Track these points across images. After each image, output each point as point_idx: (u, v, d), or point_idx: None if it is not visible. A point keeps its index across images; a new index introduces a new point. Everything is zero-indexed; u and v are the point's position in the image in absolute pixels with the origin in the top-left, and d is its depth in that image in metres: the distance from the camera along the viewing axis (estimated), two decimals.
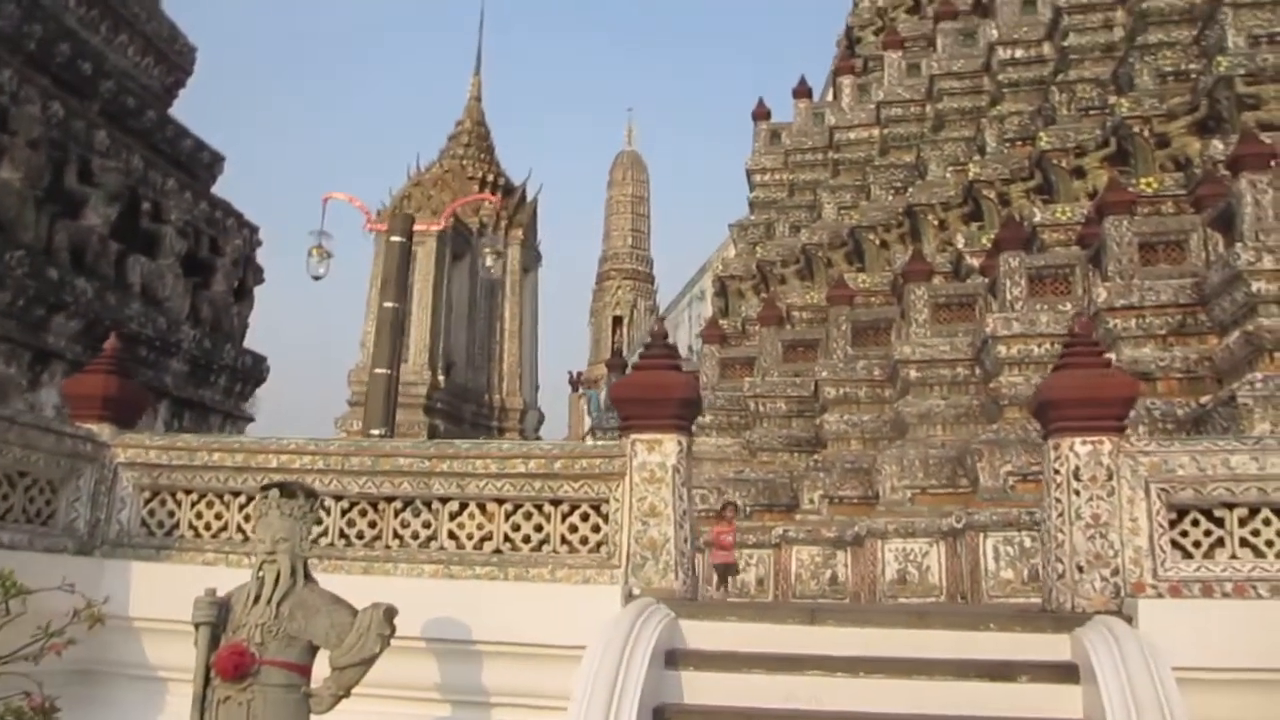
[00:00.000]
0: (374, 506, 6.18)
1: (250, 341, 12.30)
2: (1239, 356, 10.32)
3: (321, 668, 4.50)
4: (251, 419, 11.99)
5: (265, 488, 4.84)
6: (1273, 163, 10.81)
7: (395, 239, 8.88)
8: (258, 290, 12.62)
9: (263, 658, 4.47)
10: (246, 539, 6.14)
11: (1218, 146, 12.51)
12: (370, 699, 4.71)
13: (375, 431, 8.28)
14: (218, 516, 6.41)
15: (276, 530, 4.68)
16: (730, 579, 12.11)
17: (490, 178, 30.08)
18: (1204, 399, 10.56)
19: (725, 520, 12.25)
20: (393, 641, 4.53)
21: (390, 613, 4.54)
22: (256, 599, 4.59)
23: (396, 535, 6.10)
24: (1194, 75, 13.98)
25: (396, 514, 6.15)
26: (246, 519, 6.24)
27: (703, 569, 12.84)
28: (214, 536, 6.37)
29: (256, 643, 4.48)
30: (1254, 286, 10.05)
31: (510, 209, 29.74)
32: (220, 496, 6.40)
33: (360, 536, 6.13)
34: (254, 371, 12.01)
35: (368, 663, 4.48)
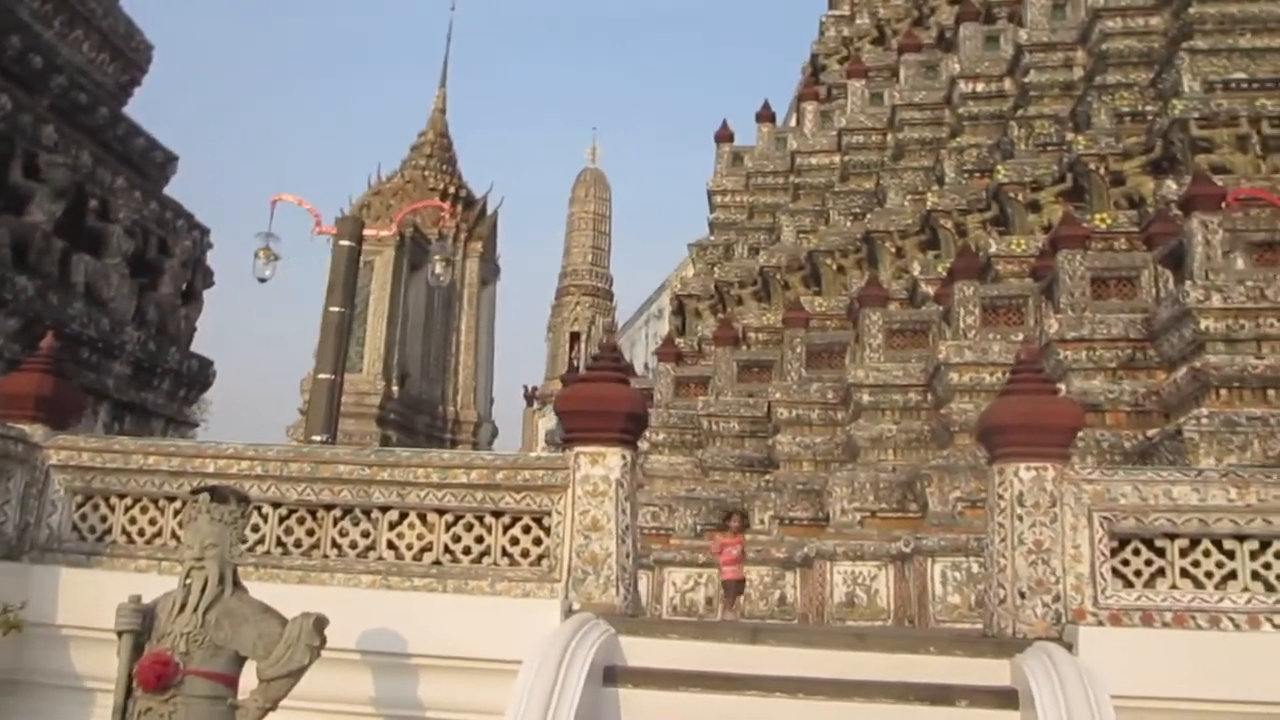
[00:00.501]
0: (312, 514, 6.04)
1: (202, 347, 12.09)
2: (1186, 392, 10.44)
3: (250, 679, 4.37)
4: (196, 424, 11.77)
5: (195, 492, 4.71)
6: (1223, 205, 10.99)
7: (344, 243, 8.76)
8: (208, 294, 12.41)
9: (187, 668, 4.33)
10: (180, 545, 5.97)
11: (1171, 186, 12.71)
12: (299, 712, 4.58)
13: (317, 438, 8.14)
14: (152, 522, 6.23)
15: (205, 536, 4.55)
16: (738, 598, 11.42)
17: (451, 189, 30.00)
18: (1151, 432, 10.68)
19: (731, 532, 11.52)
20: (325, 653, 4.41)
21: (320, 623, 4.42)
22: (182, 607, 4.45)
23: (334, 544, 5.97)
24: (1150, 116, 14.21)
25: (335, 522, 6.02)
26: (181, 525, 6.08)
27: (658, 589, 12.77)
28: (147, 543, 6.19)
29: (181, 652, 4.34)
30: (1202, 324, 10.19)
31: (470, 221, 29.66)
32: (155, 501, 6.23)
33: (298, 545, 5.99)
34: (200, 376, 11.78)
35: (296, 674, 4.35)
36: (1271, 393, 10.02)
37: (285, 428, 23.67)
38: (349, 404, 18.23)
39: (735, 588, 11.27)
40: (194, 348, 11.93)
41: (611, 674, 5.18)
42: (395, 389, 24.09)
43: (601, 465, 5.80)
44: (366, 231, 9.63)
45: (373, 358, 23.51)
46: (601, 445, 5.82)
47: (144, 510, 6.26)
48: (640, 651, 5.38)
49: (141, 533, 6.23)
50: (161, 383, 11.04)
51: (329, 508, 6.03)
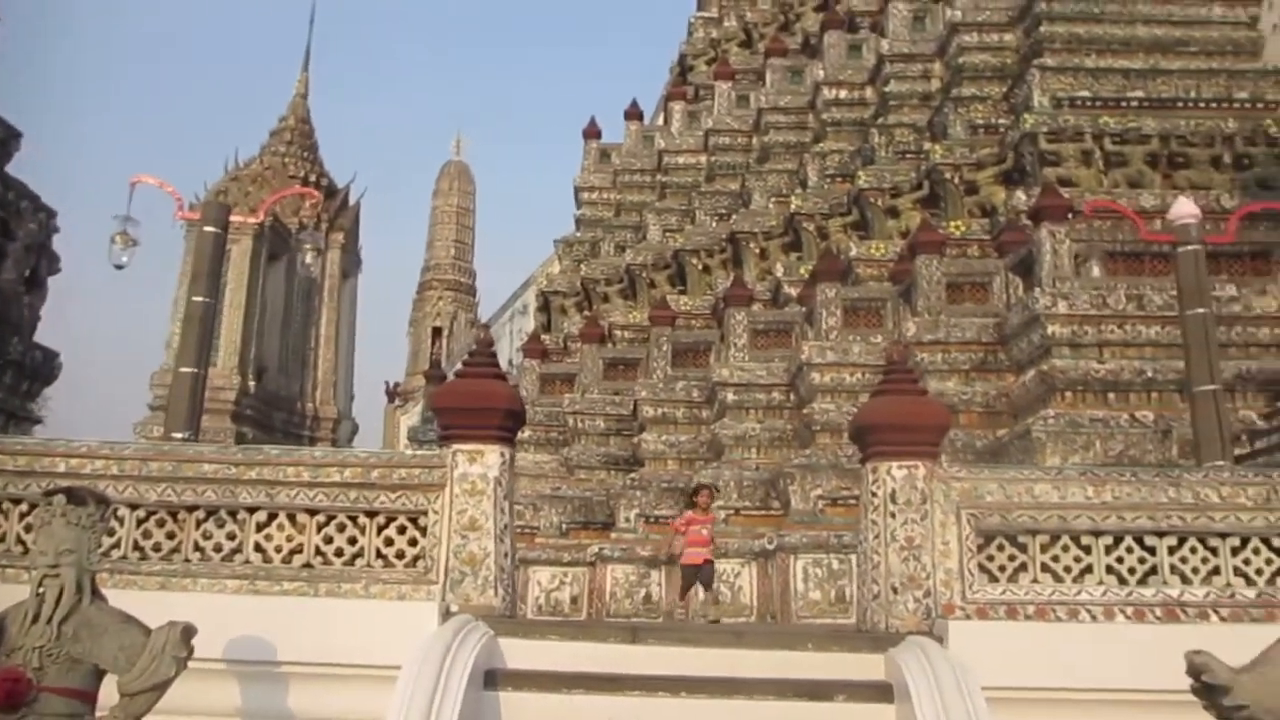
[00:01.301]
0: (174, 516, 5.74)
1: (43, 336, 11.36)
2: (1034, 394, 10.94)
3: (110, 693, 4.10)
4: (39, 420, 11.05)
5: (49, 493, 4.39)
6: (1070, 216, 11.56)
7: (209, 229, 8.37)
8: (53, 281, 11.67)
9: (41, 684, 4.03)
10: (27, 551, 5.57)
11: (1021, 197, 13.28)
12: None
13: (178, 435, 7.74)
14: None
15: (61, 541, 4.24)
16: (701, 590, 9.69)
17: (313, 178, 29.12)
18: (1001, 432, 11.15)
19: (699, 509, 9.94)
20: (190, 663, 4.17)
21: (188, 632, 4.18)
22: (35, 618, 4.14)
23: (198, 547, 5.68)
24: (1002, 129, 14.83)
25: (198, 524, 5.74)
26: (28, 529, 5.67)
27: (523, 589, 12.64)
28: None
29: (34, 667, 4.04)
30: (1049, 329, 10.69)
31: (332, 211, 28.86)
32: None
33: (157, 549, 5.68)
34: (44, 368, 11.07)
35: (161, 688, 4.11)
36: (1112, 396, 10.61)
37: (133, 424, 22.53)
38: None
39: (694, 574, 9.59)
40: (37, 338, 11.21)
41: (492, 677, 5.09)
42: (252, 384, 23.23)
43: (480, 463, 5.69)
44: (233, 218, 9.21)
45: (228, 351, 22.59)
46: (480, 443, 5.72)
47: None
48: (520, 653, 5.31)
49: None
50: (2, 375, 10.33)
51: (192, 509, 5.74)
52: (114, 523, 5.56)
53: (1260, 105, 13.99)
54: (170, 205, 10.14)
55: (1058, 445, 10.11)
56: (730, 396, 13.67)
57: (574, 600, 12.92)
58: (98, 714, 4.11)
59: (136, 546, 5.67)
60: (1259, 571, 5.41)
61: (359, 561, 5.65)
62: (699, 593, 9.56)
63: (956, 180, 14.68)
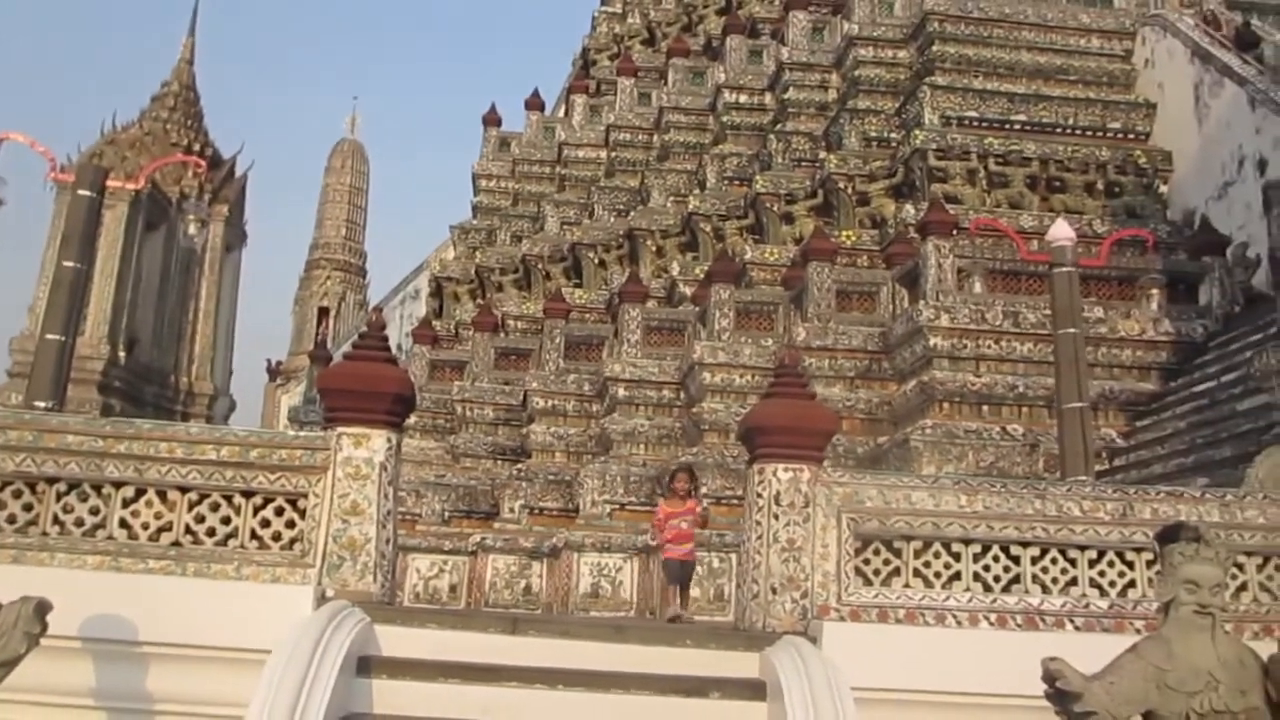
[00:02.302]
0: (32, 488, 5.46)
1: None
2: (914, 403, 11.25)
3: None
4: None
5: None
6: (955, 232, 11.92)
7: (83, 193, 7.98)
8: None
9: None
10: None
11: (910, 211, 13.63)
12: (14, 705, 4.11)
13: (40, 405, 7.36)
14: None
15: None
16: (684, 585, 8.48)
17: (196, 147, 28.11)
18: (882, 439, 11.43)
19: (678, 497, 8.50)
20: (44, 640, 3.98)
21: (42, 607, 3.99)
22: None
23: (57, 521, 5.42)
24: (894, 143, 15.20)
25: (59, 497, 5.47)
26: None
27: (401, 577, 12.43)
28: None
29: None
30: (931, 341, 11.00)
31: (216, 182, 27.93)
32: None
33: (11, 521, 5.39)
34: None
35: (10, 664, 3.92)
36: (985, 408, 10.98)
37: None
38: None
39: (679, 571, 8.38)
40: None
41: (366, 664, 4.98)
42: (122, 355, 22.30)
43: (365, 447, 5.57)
44: (110, 183, 8.80)
45: (98, 320, 21.64)
46: (366, 426, 5.60)
47: None
48: (397, 641, 5.21)
49: None
50: None
51: (52, 481, 5.47)
52: None
53: (1131, 136, 14.69)
54: (42, 165, 9.65)
55: (934, 454, 10.41)
56: (621, 392, 13.70)
57: (453, 589, 12.78)
58: None
59: None
60: (1112, 583, 5.65)
61: (232, 542, 5.47)
62: (685, 594, 8.45)
63: (849, 190, 14.98)
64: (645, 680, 5.06)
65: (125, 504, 5.48)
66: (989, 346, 11.16)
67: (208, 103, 30.48)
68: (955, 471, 10.01)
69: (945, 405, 10.90)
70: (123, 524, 5.46)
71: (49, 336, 7.65)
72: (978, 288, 11.42)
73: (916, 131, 14.27)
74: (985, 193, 14.04)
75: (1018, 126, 14.53)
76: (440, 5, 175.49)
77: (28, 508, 5.44)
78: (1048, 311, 9.37)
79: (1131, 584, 5.64)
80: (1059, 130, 14.53)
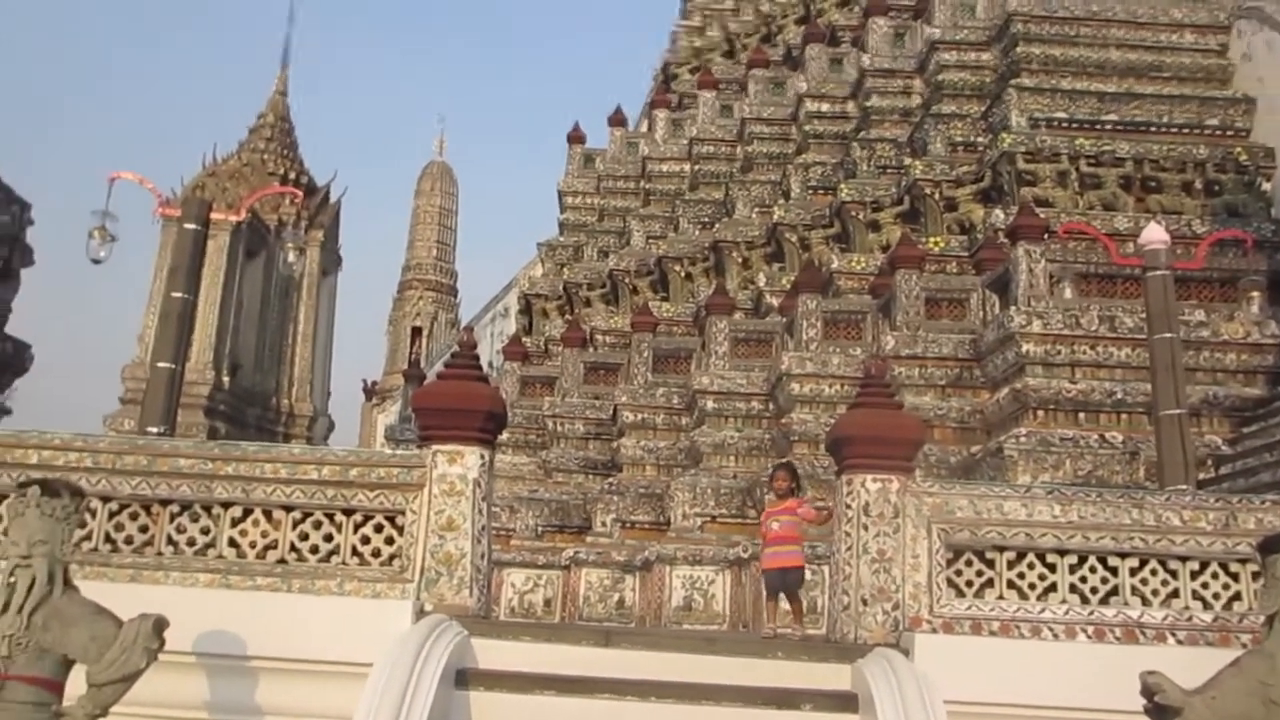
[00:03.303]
0: (147, 510, 5.74)
1: (14, 329, 11.27)
2: (1007, 411, 11.05)
3: (78, 684, 4.10)
4: (9, 411, 10.97)
5: (23, 485, 4.39)
6: (1046, 236, 11.68)
7: (189, 226, 8.35)
8: (28, 273, 11.59)
9: (8, 673, 4.03)
10: None
11: (999, 215, 13.41)
12: (134, 719, 4.33)
13: (153, 430, 7.72)
14: None
15: (34, 532, 4.24)
16: (789, 595, 7.54)
17: (292, 175, 29.02)
18: (974, 448, 11.24)
19: (778, 496, 7.76)
20: (161, 656, 4.18)
21: (160, 624, 4.19)
22: (5, 607, 4.14)
23: (170, 541, 5.68)
24: (981, 147, 14.97)
25: (172, 519, 5.74)
26: None
27: (497, 591, 12.63)
28: None
29: (3, 655, 4.04)
30: (1024, 348, 10.79)
31: (312, 208, 28.76)
32: None
33: (129, 542, 5.67)
34: (15, 360, 11.00)
35: (130, 679, 4.11)
36: (1082, 416, 10.71)
37: (103, 417, 22.37)
38: None
39: (778, 581, 7.52)
40: (8, 329, 11.13)
41: (463, 677, 5.11)
42: (226, 379, 23.12)
43: (459, 464, 5.72)
44: (213, 215, 9.19)
45: (203, 346, 22.48)
46: (460, 444, 5.75)
47: None
48: (492, 654, 5.34)
49: None
50: None
51: (165, 503, 5.73)
52: (87, 515, 5.54)
53: (1230, 132, 14.20)
54: (149, 200, 10.11)
55: (1029, 463, 10.21)
56: (710, 404, 13.73)
57: (547, 603, 12.95)
58: (65, 704, 4.11)
59: (109, 539, 5.67)
60: (1216, 596, 5.50)
61: (334, 559, 5.67)
62: (788, 599, 7.59)
63: (936, 196, 14.80)
64: (737, 692, 5.09)
65: (234, 523, 5.72)
66: (1084, 352, 10.90)
67: (301, 130, 31.51)
68: (1051, 481, 9.81)
69: (1040, 413, 10.68)
70: (231, 543, 5.70)
71: (159, 365, 8.01)
72: (1069, 293, 11.17)
73: (1004, 134, 14.04)
74: (1077, 195, 13.74)
75: (1109, 126, 14.19)
76: (524, 25, 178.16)
77: (144, 529, 5.71)
78: (1145, 315, 9.14)
79: (1237, 596, 5.49)
80: (1153, 129, 14.14)
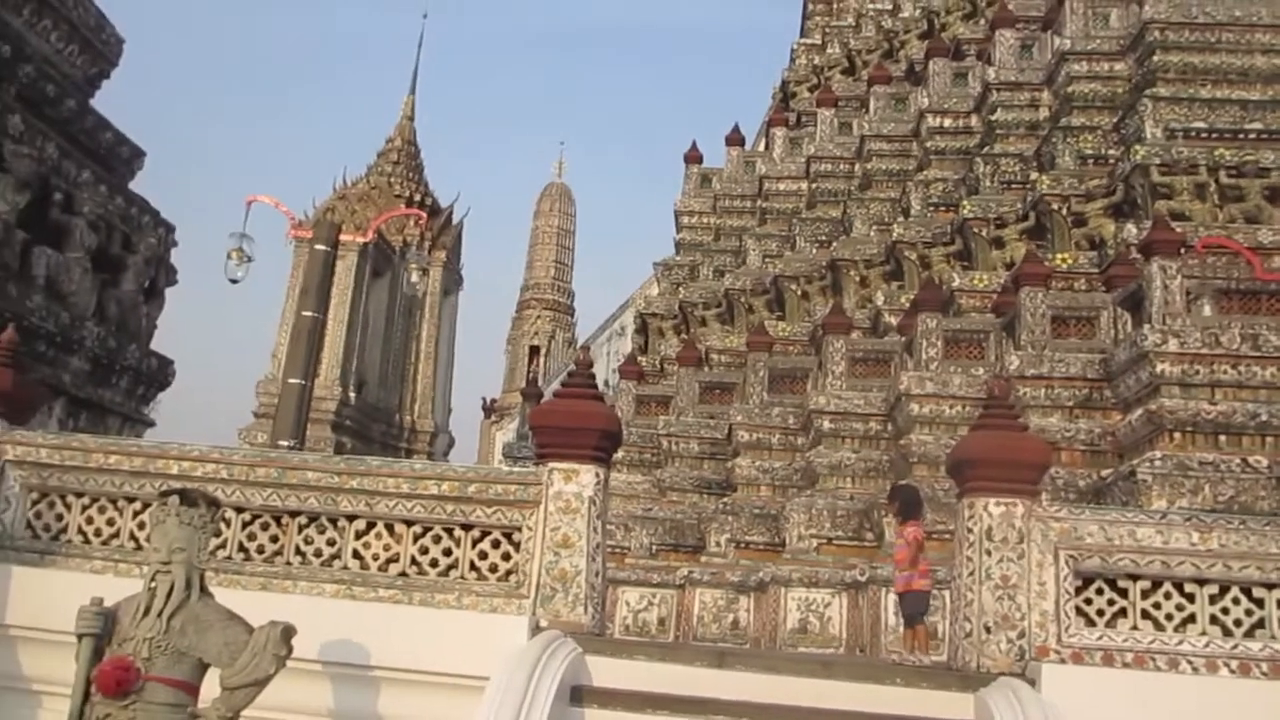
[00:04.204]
0: (277, 520, 5.96)
1: (159, 344, 11.88)
2: (1140, 434, 10.61)
3: (211, 687, 4.28)
4: (152, 423, 11.54)
5: (164, 494, 4.62)
6: (1182, 250, 11.20)
7: (320, 247, 8.68)
8: (170, 292, 12.21)
9: (148, 674, 4.24)
10: (139, 547, 5.86)
11: (1131, 230, 12.93)
12: None
13: (284, 443, 8.03)
14: (110, 523, 6.10)
15: (174, 539, 4.46)
16: (907, 620, 7.79)
17: (417, 197, 29.87)
18: (1105, 472, 10.82)
19: (894, 517, 8.04)
20: (288, 662, 4.33)
21: (289, 632, 4.35)
22: (146, 611, 4.36)
23: (299, 552, 5.89)
24: (1112, 160, 14.46)
25: (300, 530, 5.94)
26: (140, 526, 5.96)
27: (611, 609, 12.70)
28: (104, 543, 6.06)
29: (143, 657, 4.25)
30: (1159, 368, 10.36)
31: (435, 230, 29.53)
32: (114, 502, 6.11)
33: (260, 551, 5.90)
34: (159, 374, 11.56)
35: (261, 684, 4.28)
36: (1223, 438, 10.20)
37: (238, 430, 23.35)
38: None
39: (904, 606, 7.79)
40: (152, 345, 11.74)
41: (578, 694, 5.15)
42: (352, 395, 23.88)
43: (575, 482, 5.78)
44: (342, 237, 9.53)
45: (331, 363, 23.27)
46: (575, 462, 5.81)
47: (102, 510, 6.13)
48: (606, 672, 5.36)
49: (98, 533, 6.10)
50: (120, 380, 10.82)
51: (294, 514, 5.94)
52: (221, 525, 5.79)
53: None
54: (283, 223, 10.56)
55: (1164, 488, 9.77)
56: (826, 424, 13.56)
57: (661, 622, 12.94)
58: (199, 706, 4.28)
59: (241, 548, 5.91)
60: None
61: (453, 573, 5.79)
62: (917, 627, 7.70)
63: (1064, 212, 14.35)
64: (852, 718, 4.99)
65: (358, 536, 5.90)
66: (1225, 372, 10.39)
67: (427, 153, 32.45)
68: (1189, 506, 9.36)
69: (1176, 435, 10.21)
70: (356, 555, 5.87)
71: (290, 381, 8.34)
72: (1207, 310, 10.68)
73: (1137, 146, 13.54)
74: (1217, 208, 13.15)
75: (1253, 135, 13.54)
76: (645, 46, 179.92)
77: (274, 539, 5.93)
78: None
79: None
80: None
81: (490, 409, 46.16)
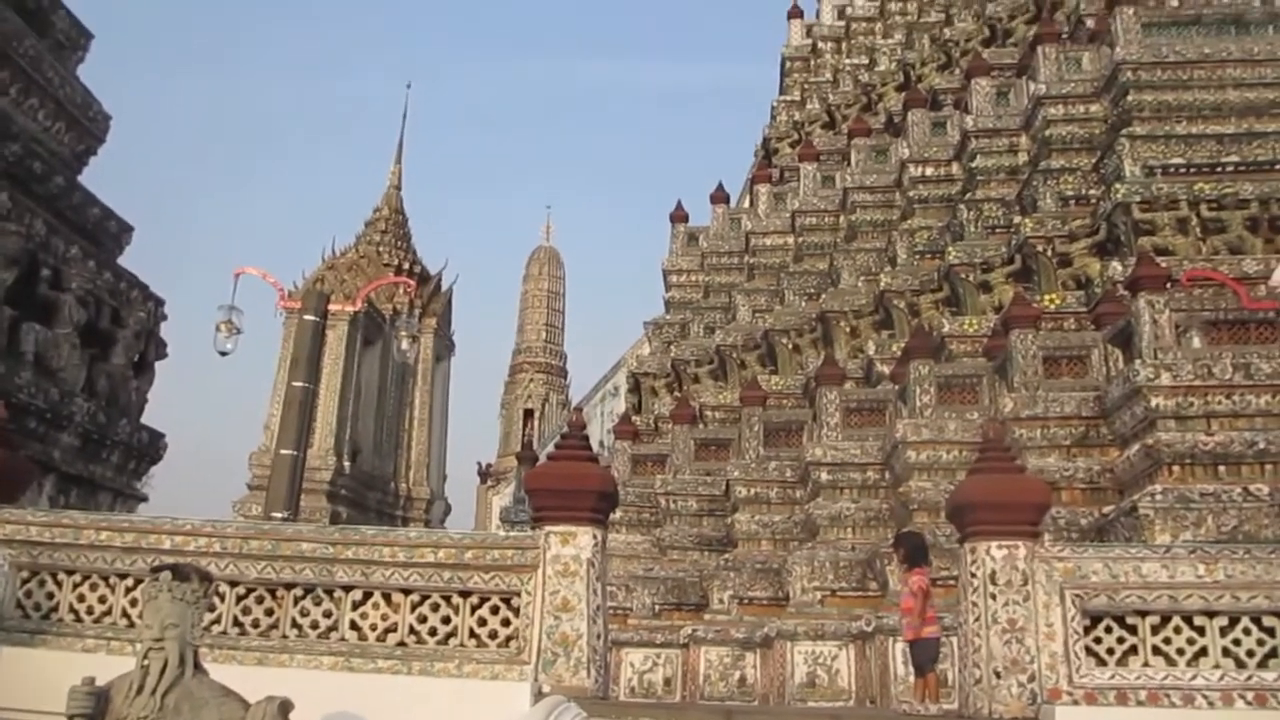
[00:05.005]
0: (272, 593, 5.87)
1: (149, 418, 11.83)
2: (1139, 469, 10.57)
3: None
4: (144, 498, 11.44)
5: (156, 569, 4.55)
6: (1168, 285, 11.26)
7: (309, 317, 8.67)
8: (160, 365, 12.18)
9: None
10: (131, 625, 5.76)
11: (1116, 268, 13.01)
12: None
13: (277, 515, 7.95)
14: (101, 600, 6.01)
15: (166, 615, 4.38)
16: (916, 668, 7.95)
17: (406, 265, 30.03)
18: (1106, 509, 10.77)
19: (900, 563, 8.22)
20: None
21: (285, 706, 4.25)
22: (140, 689, 4.27)
23: (295, 624, 5.79)
24: (1093, 200, 14.60)
25: (296, 602, 5.85)
26: (133, 603, 5.86)
27: (615, 671, 12.52)
28: (96, 621, 5.96)
29: None
30: (1153, 402, 10.35)
31: (425, 297, 29.64)
32: (106, 579, 6.02)
33: (255, 625, 5.80)
34: (150, 449, 11.49)
35: None
36: (1222, 468, 10.17)
37: (232, 502, 23.20)
38: None
39: (912, 654, 7.98)
40: (144, 419, 11.68)
41: None
42: (346, 464, 23.77)
43: (572, 545, 5.71)
44: (332, 307, 9.54)
45: (324, 432, 23.19)
46: (572, 524, 5.75)
47: (94, 588, 6.04)
48: None
49: (90, 611, 6.00)
50: (111, 455, 10.75)
51: (289, 586, 5.86)
52: (215, 599, 5.70)
53: None
54: (273, 294, 10.57)
55: (1167, 522, 9.71)
56: (824, 476, 13.50)
57: (667, 682, 12.76)
58: None
59: (236, 622, 5.81)
60: None
61: (452, 641, 5.69)
62: (926, 675, 7.83)
63: (1049, 253, 14.46)
64: None
65: (354, 606, 5.81)
66: (1219, 402, 10.38)
67: (414, 221, 32.68)
68: (1193, 539, 9.30)
69: (1175, 468, 10.18)
70: (353, 626, 5.77)
71: (283, 452, 8.28)
72: (1197, 342, 10.70)
73: (1117, 185, 13.67)
74: (1199, 241, 13.25)
75: (1230, 168, 13.68)
76: (625, 110, 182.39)
77: (269, 612, 5.84)
78: None
79: None
80: (1278, 167, 13.61)
81: (486, 474, 45.95)
